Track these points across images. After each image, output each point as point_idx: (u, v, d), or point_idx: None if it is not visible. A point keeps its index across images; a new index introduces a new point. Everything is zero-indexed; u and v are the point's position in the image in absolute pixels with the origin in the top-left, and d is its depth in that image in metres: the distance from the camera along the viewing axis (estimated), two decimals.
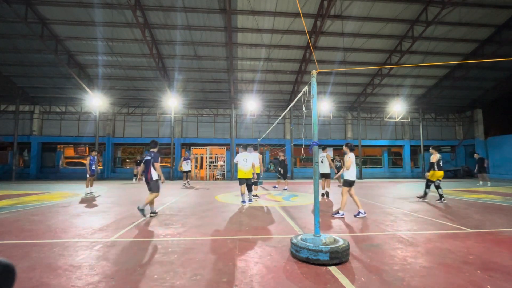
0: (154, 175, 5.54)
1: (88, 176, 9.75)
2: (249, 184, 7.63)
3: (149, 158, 5.57)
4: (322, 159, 8.55)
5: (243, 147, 7.75)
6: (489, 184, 12.92)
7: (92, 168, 9.85)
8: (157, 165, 5.54)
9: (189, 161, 13.43)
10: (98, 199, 8.33)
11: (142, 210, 5.50)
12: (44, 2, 12.53)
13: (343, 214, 5.65)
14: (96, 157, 10.33)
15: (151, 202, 5.62)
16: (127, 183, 15.32)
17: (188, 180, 13.34)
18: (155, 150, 5.74)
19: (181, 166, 13.41)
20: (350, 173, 5.67)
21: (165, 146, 20.87)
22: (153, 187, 5.56)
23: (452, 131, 23.82)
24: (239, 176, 7.40)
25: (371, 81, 18.61)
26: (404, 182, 16.83)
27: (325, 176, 8.81)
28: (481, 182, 13.15)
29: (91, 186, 9.77)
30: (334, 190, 10.66)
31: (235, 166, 19.59)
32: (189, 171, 13.51)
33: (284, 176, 11.67)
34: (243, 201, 7.41)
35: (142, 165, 5.71)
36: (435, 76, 18.89)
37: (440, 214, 5.87)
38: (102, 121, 19.90)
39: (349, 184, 5.73)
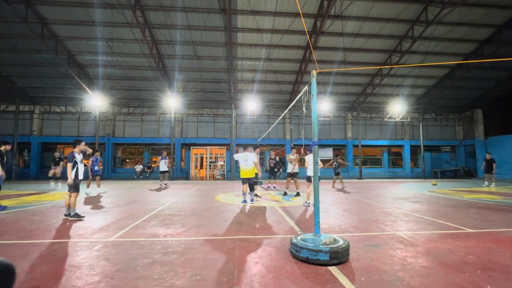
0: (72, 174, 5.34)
1: (90, 177, 9.76)
2: (251, 183, 7.72)
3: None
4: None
5: (244, 147, 7.83)
6: (493, 185, 12.78)
7: (96, 168, 9.85)
8: (68, 164, 5.28)
9: (166, 160, 12.86)
10: (98, 199, 8.33)
11: (75, 215, 5.28)
12: (44, 2, 12.54)
13: (309, 203, 7.05)
14: (99, 157, 10.32)
15: (68, 203, 5.33)
16: (124, 183, 15.28)
17: (165, 181, 12.90)
18: (75, 149, 5.48)
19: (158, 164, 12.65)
20: (309, 171, 7.11)
21: (165, 146, 20.89)
22: (69, 187, 5.34)
23: (452, 131, 23.82)
24: (241, 175, 7.58)
25: (371, 81, 18.62)
26: (404, 182, 16.83)
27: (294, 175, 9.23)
28: (486, 183, 12.99)
29: (98, 186, 9.82)
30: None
31: (235, 166, 19.65)
32: (167, 171, 13.07)
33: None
34: (244, 201, 7.49)
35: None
36: (435, 76, 18.89)
37: (440, 214, 5.87)
38: (102, 121, 19.91)
39: (309, 179, 7.08)
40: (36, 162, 19.42)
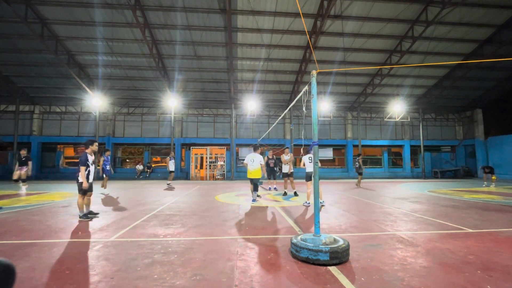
0: (79, 177, 5.28)
1: (104, 176, 9.73)
2: (255, 183, 7.87)
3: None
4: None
5: (254, 148, 7.95)
6: (493, 185, 13.09)
7: (107, 168, 9.82)
8: (81, 168, 5.19)
9: (173, 160, 13.01)
10: (98, 199, 8.33)
11: (84, 216, 5.30)
12: (44, 2, 12.54)
13: (309, 203, 7.05)
14: (109, 157, 10.26)
15: (86, 204, 5.44)
16: (126, 183, 15.29)
17: (168, 181, 13.01)
18: (87, 150, 5.39)
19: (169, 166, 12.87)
20: (308, 168, 7.19)
21: (165, 146, 20.90)
22: (78, 188, 5.31)
23: (452, 131, 23.82)
24: (248, 176, 7.82)
25: (371, 81, 18.62)
26: (404, 182, 16.83)
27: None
28: (486, 183, 13.35)
29: (104, 187, 9.75)
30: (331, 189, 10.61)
31: (235, 166, 19.67)
32: (173, 171, 13.17)
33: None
34: (253, 200, 7.79)
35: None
36: (435, 76, 18.90)
37: (440, 214, 5.87)
38: (102, 121, 19.91)
39: (308, 178, 7.18)
40: (36, 162, 19.40)
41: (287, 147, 9.77)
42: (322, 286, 2.46)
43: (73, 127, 20.25)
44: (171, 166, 12.87)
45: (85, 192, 5.32)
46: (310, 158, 7.22)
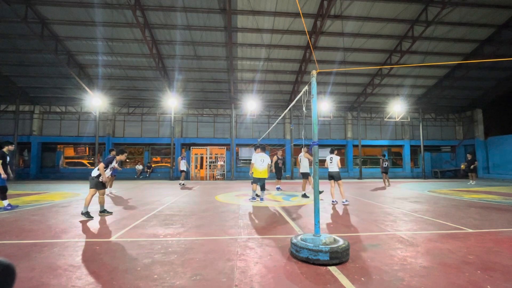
0: (94, 172, 5.67)
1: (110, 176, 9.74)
2: (262, 183, 7.93)
3: None
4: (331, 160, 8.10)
5: (262, 148, 7.97)
6: (473, 183, 13.63)
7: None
8: (101, 164, 5.66)
9: (185, 160, 13.64)
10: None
11: (87, 214, 5.38)
12: (44, 2, 12.53)
13: (346, 202, 7.33)
14: (115, 157, 10.26)
15: (101, 202, 5.86)
16: (126, 183, 15.30)
17: (181, 181, 13.46)
18: (117, 156, 6.00)
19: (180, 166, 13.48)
20: (329, 169, 7.61)
21: (165, 146, 20.90)
22: (90, 184, 5.67)
23: (452, 131, 23.82)
24: (255, 175, 7.79)
25: (371, 81, 18.61)
26: (404, 182, 16.83)
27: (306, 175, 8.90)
28: (473, 181, 13.87)
29: (110, 186, 9.76)
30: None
31: (235, 166, 19.67)
32: (184, 171, 13.67)
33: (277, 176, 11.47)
34: (253, 198, 7.86)
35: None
36: (435, 76, 18.89)
37: (440, 214, 5.87)
38: (102, 121, 19.91)
39: (331, 178, 7.66)
40: (36, 162, 19.42)
41: (306, 146, 8.86)
42: (322, 286, 2.46)
43: (73, 127, 20.24)
44: (182, 165, 13.42)
45: (97, 186, 5.61)
46: (331, 159, 7.56)
